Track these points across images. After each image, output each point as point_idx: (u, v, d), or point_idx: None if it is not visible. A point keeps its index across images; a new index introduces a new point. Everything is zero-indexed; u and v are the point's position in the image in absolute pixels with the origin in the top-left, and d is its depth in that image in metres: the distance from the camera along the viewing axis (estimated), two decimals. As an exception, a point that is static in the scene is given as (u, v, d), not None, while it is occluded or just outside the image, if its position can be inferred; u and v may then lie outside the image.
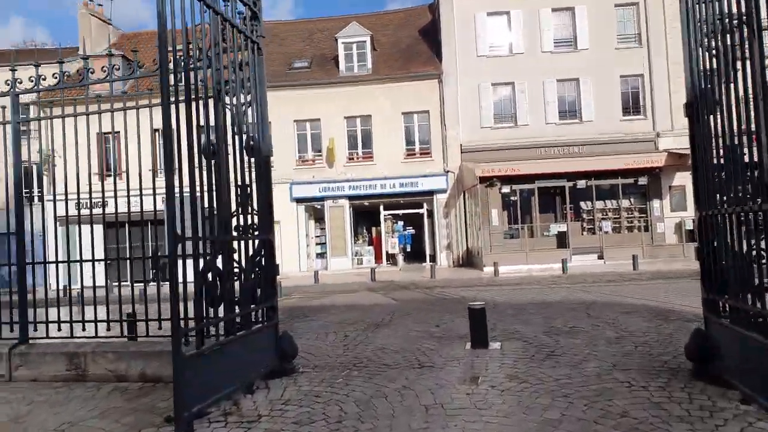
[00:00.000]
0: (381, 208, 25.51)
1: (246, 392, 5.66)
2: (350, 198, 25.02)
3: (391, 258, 25.94)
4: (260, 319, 6.32)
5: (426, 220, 25.49)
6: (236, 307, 5.64)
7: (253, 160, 6.63)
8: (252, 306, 6.03)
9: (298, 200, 25.02)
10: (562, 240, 22.80)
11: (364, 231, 27.33)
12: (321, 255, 26.14)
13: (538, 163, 23.04)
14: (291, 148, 25.18)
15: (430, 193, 24.81)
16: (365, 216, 27.38)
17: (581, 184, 23.09)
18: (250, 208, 6.47)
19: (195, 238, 5.06)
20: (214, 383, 4.97)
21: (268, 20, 31.04)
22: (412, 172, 24.69)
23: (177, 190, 4.89)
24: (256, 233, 6.44)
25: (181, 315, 4.66)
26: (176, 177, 4.91)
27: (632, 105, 25.00)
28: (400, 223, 25.83)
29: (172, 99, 4.99)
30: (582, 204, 24.10)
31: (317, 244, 26.37)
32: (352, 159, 25.33)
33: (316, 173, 24.96)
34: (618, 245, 22.44)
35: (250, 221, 6.29)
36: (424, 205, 25.34)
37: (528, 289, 14.54)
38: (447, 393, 5.42)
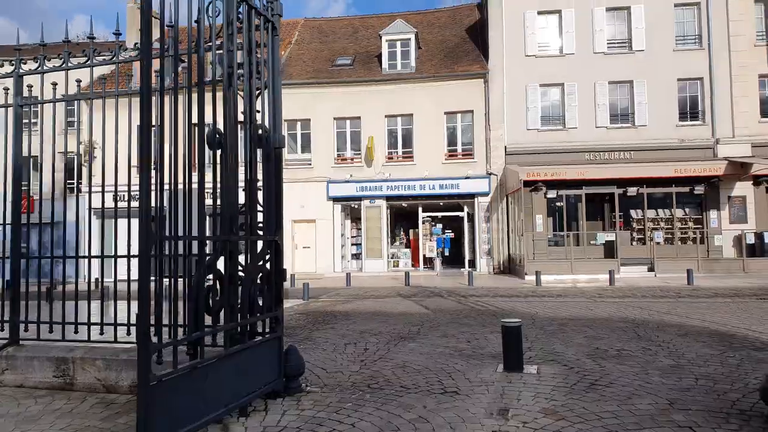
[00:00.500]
0: (419, 209, 24.64)
1: (240, 415, 4.92)
2: (388, 198, 24.24)
3: (429, 262, 25.02)
4: (262, 331, 5.57)
5: (466, 224, 24.48)
6: (228, 318, 4.89)
7: (261, 152, 5.88)
8: (252, 316, 5.28)
9: (335, 199, 24.39)
10: (609, 250, 21.41)
11: (401, 233, 26.51)
12: (356, 256, 25.44)
13: (587, 168, 21.72)
14: (329, 146, 24.59)
15: (471, 195, 23.78)
16: (403, 217, 26.57)
17: (632, 191, 21.64)
18: (257, 205, 5.73)
19: (174, 238, 4.33)
20: (197, 408, 4.22)
21: (314, 18, 30.61)
22: (453, 173, 23.72)
23: (157, 184, 4.16)
24: (260, 233, 5.69)
25: (166, 326, 3.95)
26: (167, 172, 4.17)
27: (690, 110, 23.34)
28: (439, 226, 24.89)
29: (156, 87, 4.27)
30: (632, 212, 22.63)
31: (353, 244, 25.69)
32: (392, 158, 24.54)
33: (354, 172, 24.28)
34: (670, 257, 20.89)
35: (254, 220, 5.53)
36: (465, 208, 24.33)
37: (571, 302, 13.41)
38: (470, 430, 4.55)
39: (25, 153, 5.89)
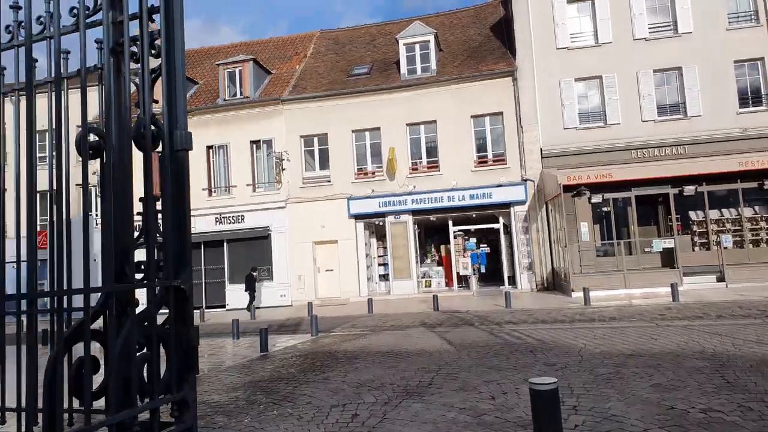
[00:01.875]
0: (450, 223, 22.48)
1: None
2: (414, 213, 22.18)
3: (464, 280, 22.77)
4: (155, 425, 3.60)
5: (503, 237, 22.15)
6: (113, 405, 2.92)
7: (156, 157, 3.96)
8: (133, 404, 3.30)
9: (357, 216, 22.49)
10: (668, 258, 18.72)
11: (432, 250, 24.36)
12: (384, 277, 23.40)
13: (634, 168, 19.17)
14: (349, 161, 22.78)
15: (507, 205, 21.49)
16: (433, 233, 24.44)
17: (689, 190, 18.91)
18: (150, 237, 3.80)
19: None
20: None
21: (329, 30, 29.09)
22: (485, 181, 21.50)
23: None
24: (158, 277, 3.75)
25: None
26: None
27: (751, 95, 20.51)
28: (473, 240, 22.66)
29: None
30: (691, 214, 19.87)
31: (380, 264, 23.67)
32: (416, 169, 22.52)
33: (377, 186, 22.36)
34: (742, 264, 18.04)
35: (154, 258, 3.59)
36: (500, 219, 22.04)
37: (628, 327, 11.02)
38: None
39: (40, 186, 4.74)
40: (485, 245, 22.92)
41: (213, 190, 24.00)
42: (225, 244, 23.47)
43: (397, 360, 8.99)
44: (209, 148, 24.02)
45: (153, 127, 3.65)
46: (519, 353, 8.93)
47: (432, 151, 22.50)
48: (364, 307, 18.41)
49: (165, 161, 3.82)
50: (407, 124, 22.45)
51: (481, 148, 22.17)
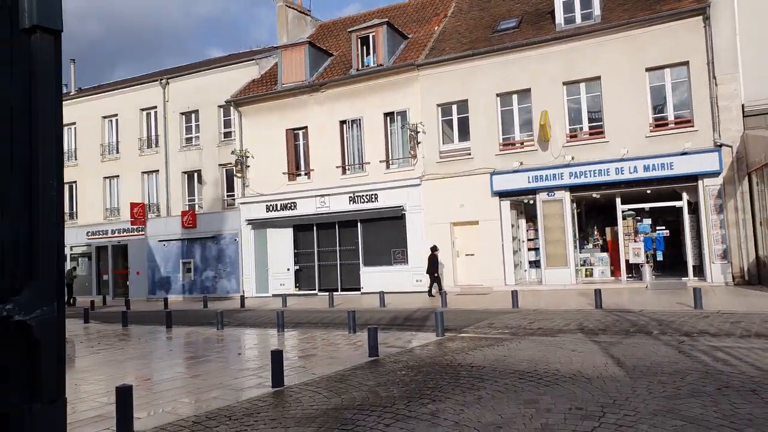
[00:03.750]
0: (617, 200, 18.73)
1: None
2: (572, 189, 18.78)
3: (634, 270, 18.95)
4: None
5: (686, 217, 17.93)
6: None
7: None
8: None
9: (502, 194, 19.64)
10: None
11: (595, 232, 20.71)
12: (535, 264, 20.37)
13: None
14: (493, 130, 19.94)
15: (693, 177, 17.26)
16: (595, 212, 20.80)
17: None
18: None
19: None
20: None
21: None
22: (663, 149, 17.46)
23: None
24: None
25: None
26: None
27: None
28: (647, 221, 18.68)
29: None
30: None
31: (530, 249, 20.63)
32: (575, 137, 19.04)
33: (525, 158, 19.29)
34: None
35: None
36: (684, 195, 17.83)
37: None
38: None
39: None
40: (663, 227, 18.80)
41: (347, 167, 22.63)
42: (359, 224, 22.04)
43: (539, 389, 6.36)
44: (342, 123, 22.65)
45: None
46: (733, 392, 5.82)
47: (595, 115, 18.85)
48: (509, 299, 15.70)
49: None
50: (564, 83, 19.01)
51: (658, 107, 18.07)
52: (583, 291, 17.47)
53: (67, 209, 30.47)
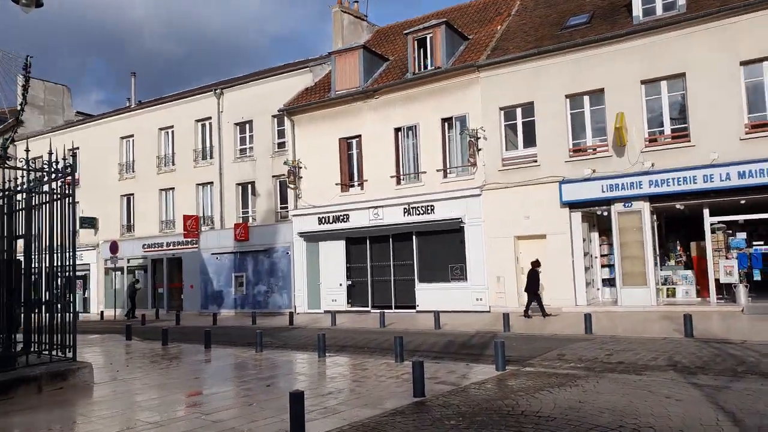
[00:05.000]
0: (705, 212, 16.57)
1: None
2: (651, 198, 16.79)
3: (725, 290, 16.68)
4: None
5: (789, 232, 15.59)
6: None
7: None
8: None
9: (572, 205, 17.83)
10: None
11: (677, 248, 18.53)
12: (609, 282, 18.44)
13: None
14: (561, 134, 18.21)
15: (797, 186, 14.96)
16: (677, 225, 18.68)
17: None
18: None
19: None
20: None
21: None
22: (761, 153, 15.25)
23: None
24: None
25: None
26: None
27: None
28: (741, 235, 16.42)
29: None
30: None
31: (603, 266, 18.70)
32: (655, 141, 17.06)
33: (599, 166, 17.45)
34: None
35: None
36: (786, 206, 15.52)
37: None
38: None
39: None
40: (761, 243, 16.47)
41: (401, 177, 21.42)
42: (414, 237, 20.73)
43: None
44: (397, 130, 21.49)
45: None
46: None
47: (678, 116, 16.87)
48: (581, 322, 13.92)
49: None
50: (642, 82, 17.11)
51: (756, 106, 15.87)
52: (665, 314, 15.42)
53: (124, 221, 30.76)
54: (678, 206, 16.86)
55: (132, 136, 30.48)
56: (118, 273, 29.86)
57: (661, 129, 17.08)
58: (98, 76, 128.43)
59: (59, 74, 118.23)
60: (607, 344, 11.28)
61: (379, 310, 19.42)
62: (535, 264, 16.85)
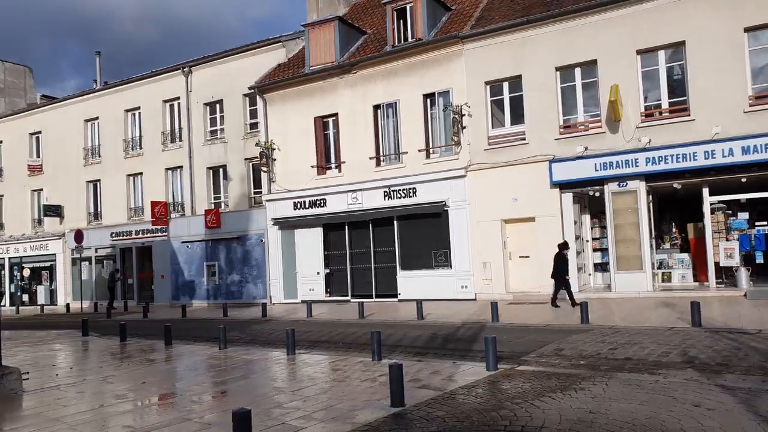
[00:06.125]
0: (704, 191, 15.51)
1: None
2: (648, 177, 15.69)
3: (724, 274, 15.70)
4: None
5: (793, 211, 14.60)
6: None
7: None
8: None
9: (563, 185, 16.69)
10: None
11: (672, 229, 17.53)
12: (601, 267, 17.41)
13: None
14: (551, 110, 17.01)
15: (804, 162, 13.93)
16: (673, 206, 17.59)
17: None
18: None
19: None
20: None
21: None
22: (766, 127, 14.20)
23: None
24: None
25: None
26: None
27: None
28: (743, 215, 15.42)
29: None
30: None
31: (595, 250, 17.65)
32: (651, 116, 15.94)
33: (591, 143, 16.30)
34: None
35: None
36: (790, 184, 14.51)
37: None
38: None
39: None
40: (765, 223, 15.46)
41: (381, 158, 20.12)
42: (395, 222, 19.48)
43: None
44: (376, 108, 20.13)
45: None
46: None
47: (677, 88, 15.76)
48: (574, 311, 12.79)
49: None
50: (638, 52, 15.95)
51: (760, 76, 14.80)
52: (662, 300, 14.41)
53: (91, 209, 29.17)
54: (675, 185, 15.74)
55: (97, 118, 28.86)
56: (86, 263, 28.32)
57: (659, 102, 15.95)
58: (74, 61, 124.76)
59: (36, 61, 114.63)
60: (607, 336, 10.14)
61: (359, 300, 18.28)
62: (562, 246, 14.99)
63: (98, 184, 28.72)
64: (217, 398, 7.45)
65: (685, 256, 16.81)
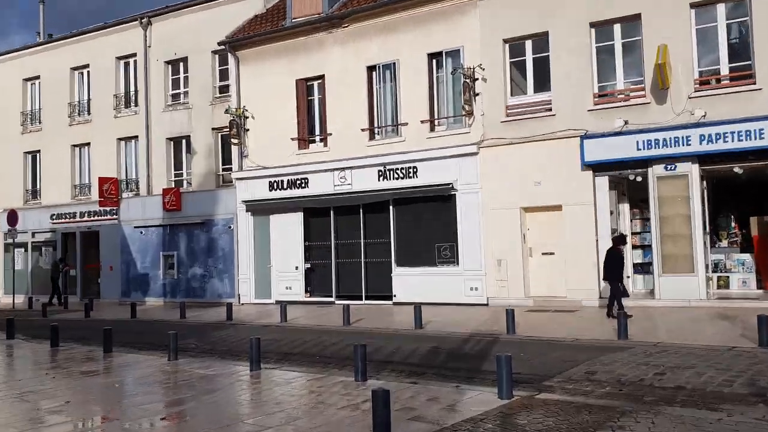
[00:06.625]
0: (771, 179, 14.95)
1: None
2: (702, 159, 15.11)
3: (793, 280, 15.15)
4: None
5: None
6: None
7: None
8: None
9: (596, 167, 16.12)
10: None
11: (732, 224, 16.97)
12: (643, 268, 16.86)
13: None
14: (584, 75, 16.42)
15: None
16: (731, 196, 17.00)
17: None
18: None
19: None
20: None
21: None
22: None
23: None
24: None
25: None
26: None
27: None
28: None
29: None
30: None
31: (636, 247, 17.09)
32: (707, 84, 15.37)
33: (632, 115, 15.72)
34: None
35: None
36: None
37: None
38: None
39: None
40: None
41: (376, 131, 19.72)
42: (391, 208, 19.01)
43: None
44: (371, 69, 19.68)
45: None
46: None
47: (738, 51, 15.29)
48: (608, 322, 12.17)
49: None
50: (692, 5, 15.41)
51: (842, 37, 14.11)
52: (720, 311, 13.85)
53: (28, 185, 28.74)
54: (736, 169, 15.17)
55: (38, 78, 28.67)
56: (21, 250, 27.89)
57: (717, 68, 15.40)
58: (21, 12, 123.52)
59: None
60: (652, 357, 9.51)
61: (345, 302, 17.84)
62: (618, 241, 14.18)
63: (37, 155, 28.45)
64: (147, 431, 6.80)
65: (747, 256, 16.27)
